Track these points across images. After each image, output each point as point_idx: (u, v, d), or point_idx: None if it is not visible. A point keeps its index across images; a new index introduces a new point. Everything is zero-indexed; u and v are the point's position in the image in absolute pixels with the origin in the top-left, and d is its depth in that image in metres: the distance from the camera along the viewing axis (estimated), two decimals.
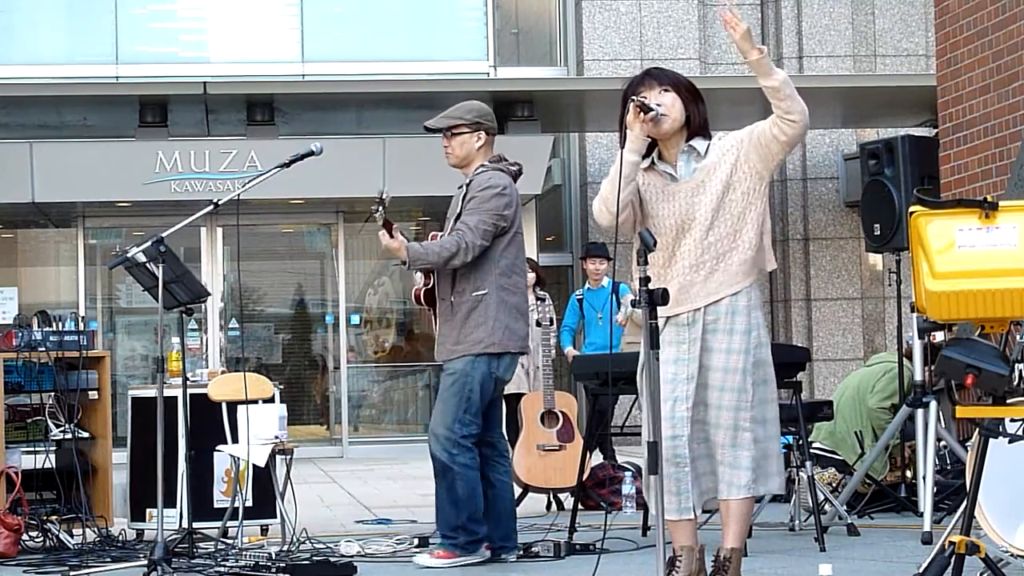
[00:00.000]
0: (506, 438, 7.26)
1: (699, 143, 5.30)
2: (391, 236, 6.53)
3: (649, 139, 5.26)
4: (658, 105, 5.23)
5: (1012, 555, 5.72)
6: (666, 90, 5.29)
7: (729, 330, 5.23)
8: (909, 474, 8.60)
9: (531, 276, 10.84)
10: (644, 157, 5.29)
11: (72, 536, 7.52)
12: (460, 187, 7.00)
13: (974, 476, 5.00)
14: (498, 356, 6.81)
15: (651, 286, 4.65)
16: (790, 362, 7.55)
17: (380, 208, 6.51)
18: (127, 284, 16.83)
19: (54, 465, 7.85)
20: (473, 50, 17.77)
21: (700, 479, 5.26)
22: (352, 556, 6.97)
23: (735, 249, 5.25)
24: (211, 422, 7.83)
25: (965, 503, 5.06)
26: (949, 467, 8.64)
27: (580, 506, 8.20)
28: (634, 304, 4.74)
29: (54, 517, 7.64)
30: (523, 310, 6.94)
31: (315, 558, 6.86)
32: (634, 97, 5.17)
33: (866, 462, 8.35)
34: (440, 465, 6.78)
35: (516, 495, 9.28)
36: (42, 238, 17.97)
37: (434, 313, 6.98)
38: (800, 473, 7.73)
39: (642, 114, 5.14)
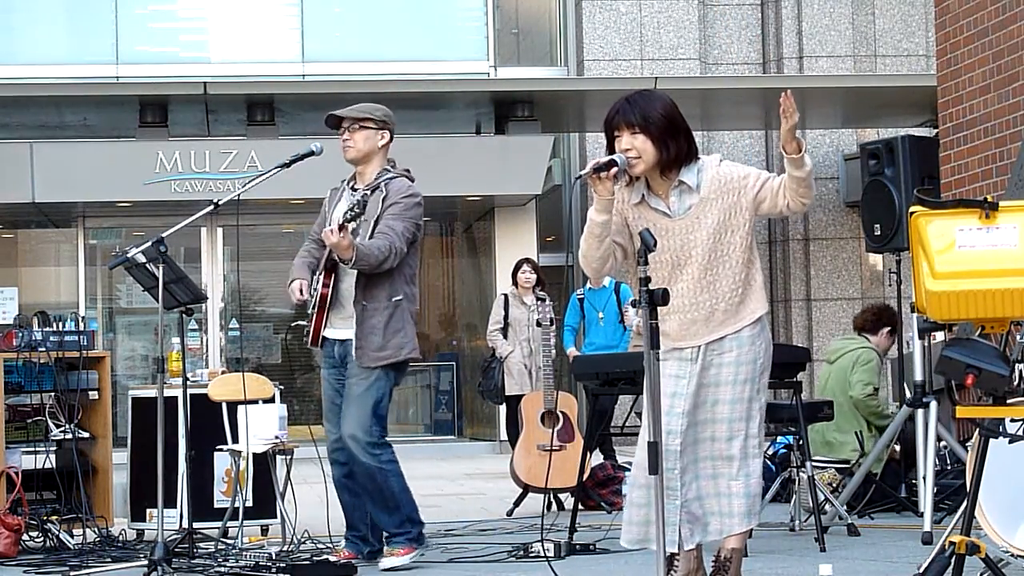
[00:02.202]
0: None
1: (689, 176, 5.22)
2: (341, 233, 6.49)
3: (627, 179, 5.24)
4: (626, 150, 5.19)
5: (1012, 555, 5.72)
6: (635, 133, 5.23)
7: (735, 362, 5.23)
8: (897, 447, 8.60)
9: (531, 276, 10.87)
10: (628, 184, 5.27)
11: (72, 536, 7.52)
12: (354, 189, 6.95)
13: (974, 476, 5.00)
14: (407, 363, 6.90)
15: (651, 286, 4.65)
16: (790, 362, 7.55)
17: (358, 217, 6.55)
18: (127, 284, 16.84)
19: (54, 465, 7.85)
20: (473, 50, 17.77)
21: (709, 518, 5.25)
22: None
23: (734, 291, 5.23)
24: (211, 422, 7.83)
25: (965, 503, 5.06)
26: (949, 467, 8.64)
27: (580, 506, 8.20)
28: (634, 304, 4.74)
29: (54, 517, 7.64)
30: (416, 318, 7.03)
31: (315, 558, 6.86)
32: (581, 173, 5.12)
33: (867, 462, 8.35)
34: (365, 469, 6.77)
35: (516, 495, 9.35)
36: (42, 238, 17.97)
37: (317, 313, 6.88)
38: (800, 473, 7.73)
39: (602, 174, 5.11)
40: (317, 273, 6.86)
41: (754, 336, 5.26)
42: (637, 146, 5.17)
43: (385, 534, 6.89)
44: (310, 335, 6.94)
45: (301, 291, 6.87)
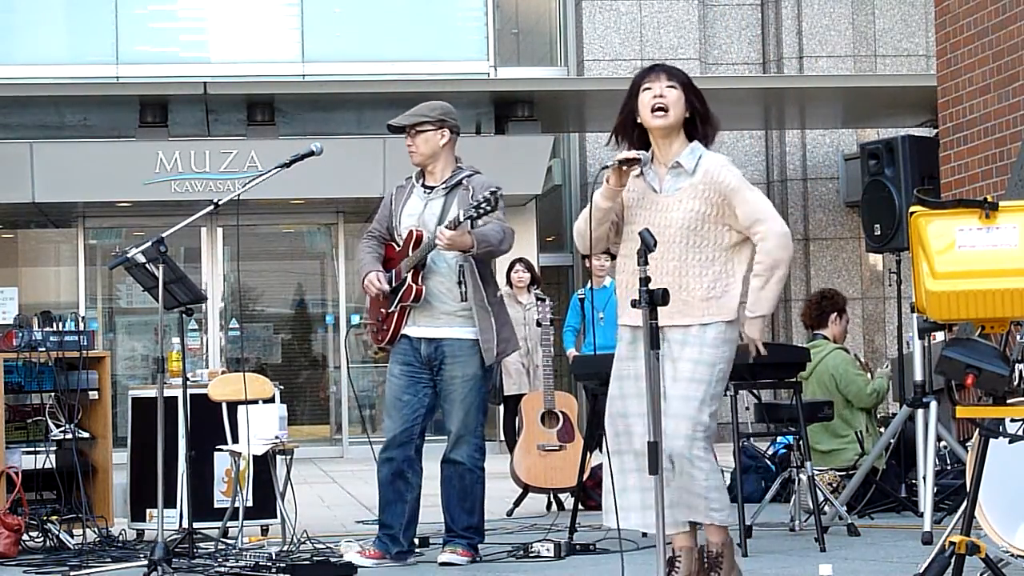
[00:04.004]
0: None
1: (687, 159, 5.25)
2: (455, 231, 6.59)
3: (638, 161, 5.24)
4: (658, 96, 5.21)
5: (1012, 555, 5.72)
6: (672, 86, 5.27)
7: (696, 360, 5.19)
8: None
9: (525, 276, 10.86)
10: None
11: (72, 536, 7.52)
12: (424, 187, 6.96)
13: (974, 476, 5.00)
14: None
15: (651, 286, 4.66)
16: (790, 362, 7.55)
17: (483, 216, 6.63)
18: (127, 284, 16.84)
19: (54, 465, 7.84)
20: (473, 50, 17.78)
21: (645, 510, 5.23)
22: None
23: (709, 285, 5.20)
24: (211, 422, 7.83)
25: (965, 503, 5.06)
26: (949, 467, 8.64)
27: (580, 506, 8.20)
28: (634, 304, 4.74)
29: (54, 517, 7.64)
30: None
31: (315, 558, 6.86)
32: (608, 164, 5.15)
33: (867, 461, 8.34)
34: (461, 469, 6.91)
35: (516, 495, 9.35)
36: (42, 238, 17.98)
37: (400, 311, 6.88)
38: (800, 473, 7.73)
39: (624, 168, 5.12)
40: (402, 271, 6.85)
41: (718, 342, 5.22)
42: (671, 97, 5.20)
43: (447, 531, 6.97)
44: (387, 332, 6.92)
45: (379, 280, 6.85)
